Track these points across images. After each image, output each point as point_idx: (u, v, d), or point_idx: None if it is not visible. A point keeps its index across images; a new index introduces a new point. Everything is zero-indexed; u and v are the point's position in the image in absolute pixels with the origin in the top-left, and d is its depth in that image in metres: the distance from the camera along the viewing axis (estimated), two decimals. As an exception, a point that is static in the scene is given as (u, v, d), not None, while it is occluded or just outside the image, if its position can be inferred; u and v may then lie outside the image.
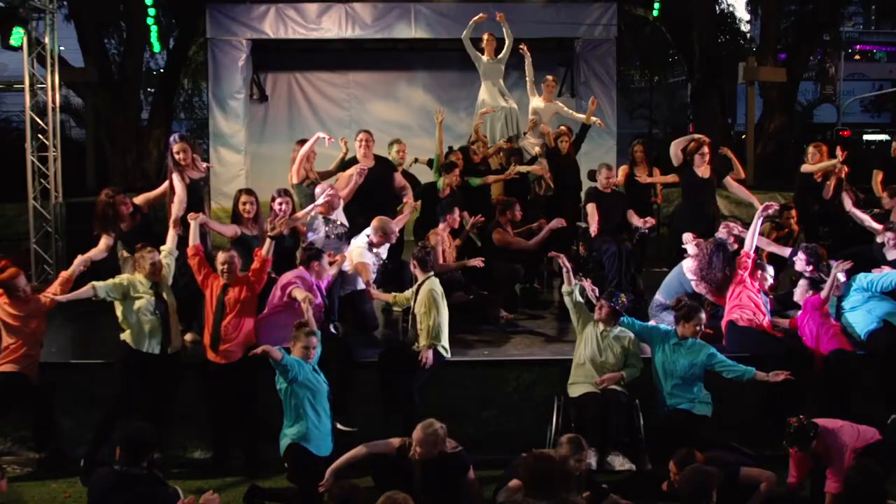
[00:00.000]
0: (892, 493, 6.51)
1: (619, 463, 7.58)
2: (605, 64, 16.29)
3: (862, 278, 8.99)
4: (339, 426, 7.77)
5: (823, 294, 8.68)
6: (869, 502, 5.55)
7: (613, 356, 8.10)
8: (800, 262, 9.29)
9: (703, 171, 10.64)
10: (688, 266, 9.44)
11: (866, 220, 10.18)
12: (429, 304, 8.30)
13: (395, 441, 6.99)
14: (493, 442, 8.35)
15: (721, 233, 9.64)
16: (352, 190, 10.03)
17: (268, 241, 8.49)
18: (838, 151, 11.32)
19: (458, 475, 6.85)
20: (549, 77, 12.92)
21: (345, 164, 10.68)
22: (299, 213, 9.43)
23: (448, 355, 8.49)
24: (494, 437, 8.46)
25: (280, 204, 9.27)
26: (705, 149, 10.61)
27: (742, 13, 31.75)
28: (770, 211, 9.39)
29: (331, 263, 8.91)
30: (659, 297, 9.63)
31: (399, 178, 10.80)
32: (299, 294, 8.00)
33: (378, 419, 8.22)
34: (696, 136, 10.89)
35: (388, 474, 6.74)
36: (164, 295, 8.23)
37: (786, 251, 9.73)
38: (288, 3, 15.48)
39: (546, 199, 11.86)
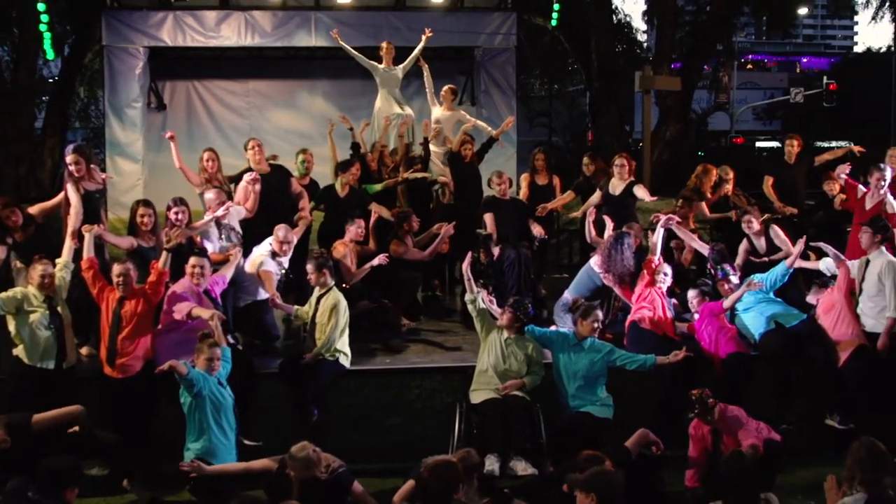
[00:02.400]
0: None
1: (522, 468, 7.63)
2: (505, 72, 16.40)
3: (757, 279, 9.26)
4: (244, 441, 7.70)
5: (726, 304, 8.96)
6: (733, 488, 5.67)
7: (517, 363, 8.16)
8: (709, 261, 9.56)
9: (615, 186, 10.78)
10: (594, 260, 9.63)
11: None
12: (332, 315, 8.32)
13: (272, 462, 6.89)
14: (396, 450, 8.36)
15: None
16: (255, 200, 9.94)
17: (164, 253, 8.35)
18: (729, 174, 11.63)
19: (339, 497, 6.77)
20: (448, 87, 12.99)
21: (243, 172, 10.54)
22: (196, 223, 9.31)
23: (349, 364, 8.47)
24: (398, 445, 8.48)
25: (176, 213, 9.11)
26: (622, 161, 10.76)
27: (638, 23, 32.33)
28: (672, 223, 9.58)
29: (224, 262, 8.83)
30: (567, 295, 9.74)
31: (295, 185, 10.73)
32: (205, 313, 7.89)
33: (281, 431, 8.14)
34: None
35: (275, 489, 6.66)
36: (59, 308, 8.03)
37: (705, 248, 9.93)
38: (186, 11, 15.22)
39: (448, 207, 11.91)
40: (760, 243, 10.17)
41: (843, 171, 10.73)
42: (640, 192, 10.49)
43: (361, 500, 6.87)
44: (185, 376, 7.05)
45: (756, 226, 10.16)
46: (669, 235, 10.03)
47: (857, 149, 12.10)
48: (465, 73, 17.04)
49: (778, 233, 10.15)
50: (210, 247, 9.31)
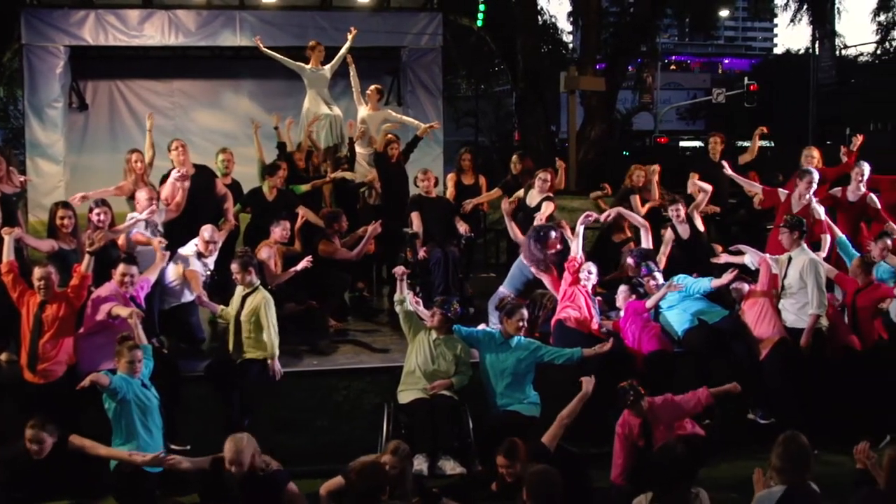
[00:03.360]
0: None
1: (450, 467, 7.64)
2: (431, 73, 16.44)
3: (677, 280, 9.41)
4: (172, 446, 7.61)
5: (649, 304, 9.08)
6: (664, 481, 5.76)
7: (445, 363, 8.17)
8: (630, 264, 9.68)
9: (532, 198, 10.86)
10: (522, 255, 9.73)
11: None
12: (264, 316, 8.29)
13: (206, 460, 6.83)
14: (325, 452, 8.31)
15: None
16: (183, 197, 9.81)
17: (87, 256, 8.21)
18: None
19: (273, 495, 6.74)
20: (373, 86, 12.99)
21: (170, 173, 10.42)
22: (120, 226, 9.18)
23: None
24: (326, 447, 8.42)
25: (98, 215, 8.97)
26: (546, 176, 10.83)
27: (564, 24, 32.65)
28: (591, 219, 9.67)
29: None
30: (503, 289, 9.79)
31: (220, 187, 10.63)
32: (123, 311, 7.77)
33: (209, 434, 8.06)
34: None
35: (209, 489, 6.63)
36: (-23, 314, 7.87)
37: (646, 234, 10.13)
38: (108, 9, 14.97)
39: (375, 207, 11.90)
40: (684, 229, 10.38)
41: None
42: (545, 208, 10.49)
43: (295, 501, 6.84)
44: (107, 387, 6.95)
45: (683, 213, 10.37)
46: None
47: (758, 140, 12.46)
48: (391, 73, 17.05)
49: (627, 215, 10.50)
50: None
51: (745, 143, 13.35)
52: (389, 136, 11.91)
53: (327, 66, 12.81)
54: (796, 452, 5.67)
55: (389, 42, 16.17)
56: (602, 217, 10.84)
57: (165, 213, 9.77)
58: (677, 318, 9.23)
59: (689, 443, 7.22)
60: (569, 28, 34.89)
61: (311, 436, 8.56)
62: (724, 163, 11.21)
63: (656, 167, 11.87)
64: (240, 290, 8.58)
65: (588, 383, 7.35)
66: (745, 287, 9.31)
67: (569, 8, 37.40)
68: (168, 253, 9.05)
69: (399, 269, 8.63)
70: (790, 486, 5.61)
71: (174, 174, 9.93)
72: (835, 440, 8.08)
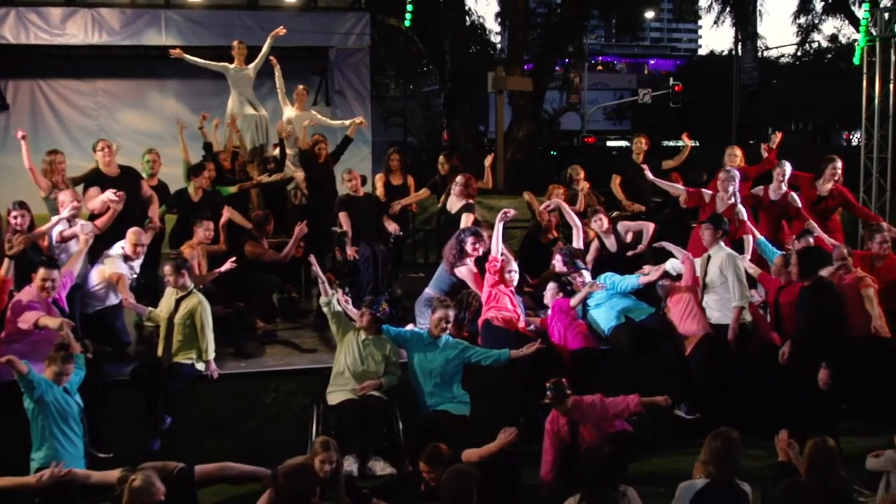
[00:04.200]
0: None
1: (380, 468, 7.63)
2: (359, 73, 16.43)
3: (605, 278, 9.52)
4: (95, 453, 7.48)
5: (573, 302, 9.14)
6: (594, 478, 5.82)
7: (374, 363, 8.15)
8: (559, 263, 9.73)
9: (452, 203, 10.88)
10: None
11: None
12: (200, 319, 8.27)
13: (116, 473, 6.69)
14: (254, 454, 8.17)
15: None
16: (110, 218, 9.55)
17: (6, 260, 8.04)
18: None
19: (186, 496, 6.60)
20: (300, 87, 12.93)
21: (95, 174, 10.22)
22: (39, 228, 8.98)
23: (204, 368, 8.39)
24: (256, 450, 8.31)
25: (16, 217, 8.74)
26: (463, 180, 10.85)
27: (492, 24, 32.82)
28: (509, 215, 9.71)
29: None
30: (429, 290, 9.79)
31: (146, 189, 10.48)
32: (52, 322, 7.60)
33: (134, 440, 7.96)
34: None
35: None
36: None
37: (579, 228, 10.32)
38: (30, 7, 14.69)
39: (303, 207, 11.85)
40: (611, 241, 10.48)
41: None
42: (464, 219, 10.48)
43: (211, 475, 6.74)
44: (24, 375, 6.80)
45: (606, 223, 10.46)
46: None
47: (687, 143, 12.65)
48: (319, 73, 16.99)
49: (628, 226, 10.50)
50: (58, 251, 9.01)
51: (671, 143, 13.55)
52: (317, 135, 11.86)
53: (251, 66, 12.73)
54: (722, 449, 5.78)
55: (317, 42, 16.13)
56: (542, 207, 11.00)
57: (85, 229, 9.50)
58: (604, 316, 9.32)
59: (617, 440, 7.35)
60: (496, 28, 35.10)
61: (239, 438, 8.48)
62: (645, 167, 11.33)
63: (585, 185, 11.94)
64: (171, 293, 8.48)
65: (508, 434, 7.17)
66: (671, 283, 9.45)
67: (496, 9, 37.68)
68: (91, 234, 8.88)
69: (313, 268, 8.61)
70: (713, 481, 5.73)
71: (111, 195, 9.61)
72: (758, 435, 8.28)
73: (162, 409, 8.07)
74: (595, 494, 5.75)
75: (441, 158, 12.12)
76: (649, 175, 11.15)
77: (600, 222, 10.47)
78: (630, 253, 10.46)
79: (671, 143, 37.30)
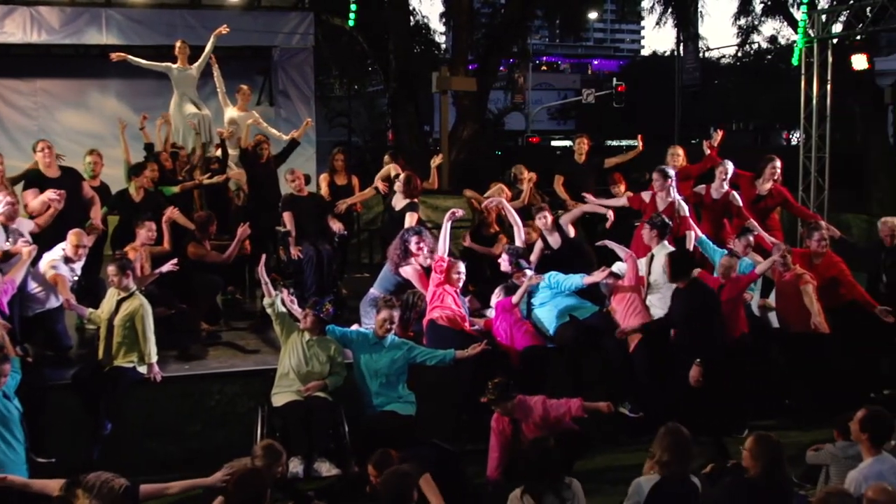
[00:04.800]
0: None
1: (326, 469, 7.60)
2: (303, 73, 16.36)
3: (549, 277, 9.58)
4: (36, 459, 7.36)
5: (515, 299, 9.17)
6: (539, 473, 5.87)
7: (319, 364, 8.12)
8: (504, 263, 9.77)
9: (397, 201, 10.88)
10: None
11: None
12: (140, 322, 8.18)
13: (57, 483, 6.55)
14: (199, 458, 8.14)
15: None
16: (50, 217, 9.42)
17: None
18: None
19: None
20: (244, 86, 12.86)
21: (34, 175, 10.05)
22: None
23: (147, 372, 8.29)
24: (200, 454, 8.27)
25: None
26: (405, 178, 10.84)
27: (436, 25, 32.83)
28: (457, 216, 9.74)
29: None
30: (374, 290, 9.77)
31: (87, 190, 10.33)
32: None
33: (76, 445, 7.85)
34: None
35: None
36: None
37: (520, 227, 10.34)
38: (-35, 5, 14.47)
39: (245, 208, 11.78)
40: (554, 238, 10.54)
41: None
42: (408, 218, 10.47)
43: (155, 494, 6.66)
44: None
45: (550, 220, 10.53)
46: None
47: (640, 144, 12.78)
48: (263, 73, 16.88)
49: (571, 216, 10.64)
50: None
51: (614, 143, 13.65)
52: (259, 136, 11.80)
53: (194, 66, 12.64)
54: (675, 444, 5.88)
55: (260, 41, 16.02)
56: (484, 204, 11.03)
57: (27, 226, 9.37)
58: (548, 316, 9.38)
59: (562, 438, 7.39)
60: (441, 29, 35.08)
61: (183, 442, 8.42)
62: (587, 196, 11.29)
63: (532, 175, 12.01)
64: (113, 294, 8.38)
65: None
66: (614, 282, 9.53)
67: (441, 9, 37.65)
68: (35, 247, 8.75)
69: (259, 268, 8.55)
70: (665, 476, 5.81)
71: (51, 194, 9.47)
72: (702, 431, 8.39)
73: (103, 415, 7.96)
74: (539, 484, 5.79)
75: (386, 158, 12.13)
76: (591, 199, 11.14)
77: (545, 220, 10.53)
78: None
79: (615, 143, 37.75)
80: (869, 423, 6.25)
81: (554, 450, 6.04)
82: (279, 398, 8.02)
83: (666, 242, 9.57)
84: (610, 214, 11.01)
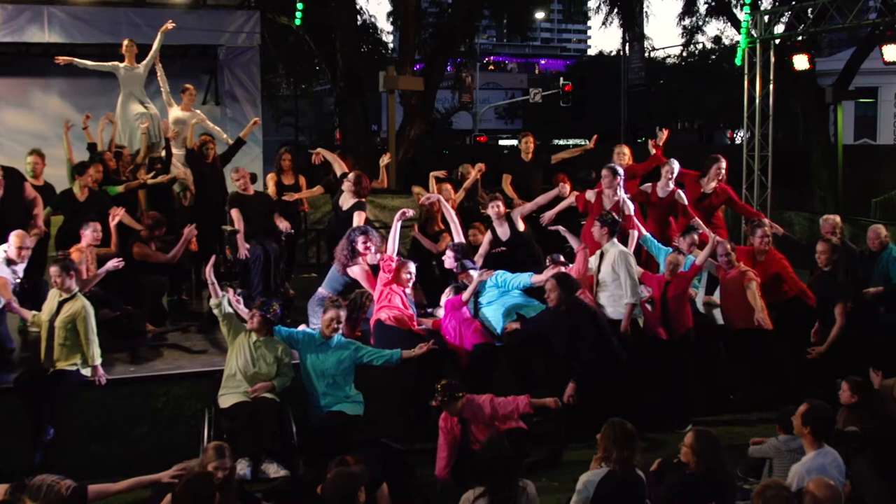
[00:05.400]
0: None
1: (274, 470, 7.57)
2: (249, 72, 16.26)
3: (497, 276, 9.62)
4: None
5: (464, 297, 9.20)
6: (495, 474, 5.89)
7: (266, 365, 8.08)
8: (448, 259, 9.79)
9: (344, 200, 10.86)
10: None
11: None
12: (82, 324, 8.08)
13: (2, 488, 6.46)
14: (146, 461, 8.04)
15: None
16: None
17: None
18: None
19: None
20: (189, 86, 12.75)
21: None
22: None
23: (89, 374, 8.21)
24: (147, 456, 8.18)
25: None
26: (354, 177, 10.82)
27: (384, 24, 32.79)
28: (407, 215, 9.75)
29: None
30: (322, 290, 9.73)
31: (29, 190, 10.18)
32: None
33: (18, 451, 7.74)
34: None
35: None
36: None
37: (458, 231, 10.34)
38: None
39: (191, 208, 11.69)
40: (503, 229, 10.59)
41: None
42: (356, 218, 10.46)
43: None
44: None
45: (502, 209, 10.58)
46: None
47: (591, 144, 12.86)
48: (209, 72, 16.76)
49: (523, 210, 10.71)
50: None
51: (562, 142, 13.71)
52: (205, 135, 11.72)
53: (142, 64, 12.50)
54: (619, 438, 5.96)
55: (206, 40, 15.90)
56: (421, 200, 11.09)
57: None
58: (495, 314, 9.41)
59: (511, 436, 7.43)
60: (388, 28, 34.98)
61: (129, 445, 8.33)
62: (545, 216, 11.32)
63: (480, 165, 12.05)
64: (55, 295, 8.27)
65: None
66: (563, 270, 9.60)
67: (388, 8, 37.61)
68: None
69: (208, 269, 8.49)
70: (612, 470, 5.87)
71: None
72: (647, 427, 8.47)
73: (45, 419, 7.85)
74: (498, 489, 5.81)
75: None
76: (547, 216, 11.17)
77: (497, 208, 10.59)
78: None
79: (562, 142, 37.94)
80: (811, 417, 6.35)
81: (509, 452, 6.07)
82: (226, 399, 7.97)
83: (615, 240, 9.66)
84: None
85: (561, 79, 45.89)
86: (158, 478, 6.09)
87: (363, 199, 10.71)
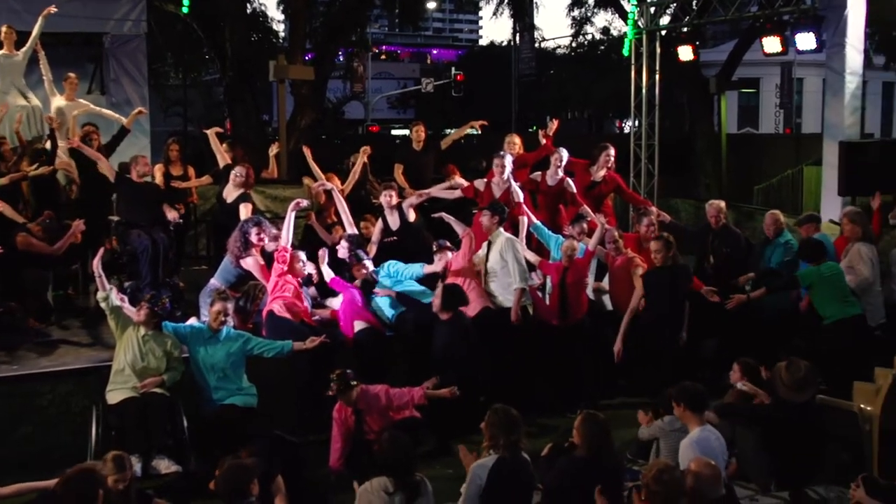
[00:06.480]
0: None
1: (165, 466, 7.48)
2: (136, 60, 15.85)
3: (389, 266, 9.65)
4: None
5: (357, 283, 9.21)
6: (399, 468, 5.91)
7: (155, 359, 7.96)
8: (342, 250, 9.77)
9: (228, 192, 10.73)
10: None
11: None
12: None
13: None
14: (31, 461, 7.85)
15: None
16: None
17: None
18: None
19: None
20: (71, 74, 12.40)
21: None
22: None
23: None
24: (32, 456, 7.97)
25: None
26: (240, 170, 10.71)
27: (274, 13, 32.46)
28: (301, 205, 9.69)
29: None
30: (214, 281, 9.61)
31: None
32: None
33: None
34: None
35: None
36: None
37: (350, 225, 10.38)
38: None
39: (77, 201, 11.41)
40: (394, 218, 10.60)
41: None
42: (243, 210, 10.42)
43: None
44: None
45: (395, 199, 10.60)
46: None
47: (477, 124, 12.91)
48: (94, 60, 16.32)
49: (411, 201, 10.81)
50: None
51: (453, 131, 13.76)
52: (88, 126, 11.43)
53: (21, 51, 12.09)
54: (507, 423, 6.02)
55: (90, 28, 15.43)
56: (317, 186, 11.06)
57: None
58: (387, 303, 9.45)
59: (405, 425, 7.49)
60: (279, 17, 34.64)
61: (13, 445, 8.11)
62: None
63: (366, 148, 12.00)
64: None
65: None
66: (449, 255, 9.66)
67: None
68: None
69: (95, 262, 8.30)
70: (502, 456, 5.95)
71: None
72: (538, 412, 8.62)
73: None
74: (404, 482, 5.83)
75: (224, 146, 11.92)
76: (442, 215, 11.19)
77: (389, 197, 10.61)
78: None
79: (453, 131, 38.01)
80: (681, 395, 6.61)
81: (408, 444, 6.10)
82: (114, 395, 7.83)
83: (502, 229, 9.75)
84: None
85: (453, 69, 46.10)
86: (47, 485, 5.92)
87: (248, 192, 10.63)
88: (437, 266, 9.51)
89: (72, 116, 11.77)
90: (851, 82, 13.45)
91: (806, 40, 13.80)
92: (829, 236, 10.48)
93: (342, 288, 9.38)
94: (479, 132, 13.06)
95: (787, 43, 14.59)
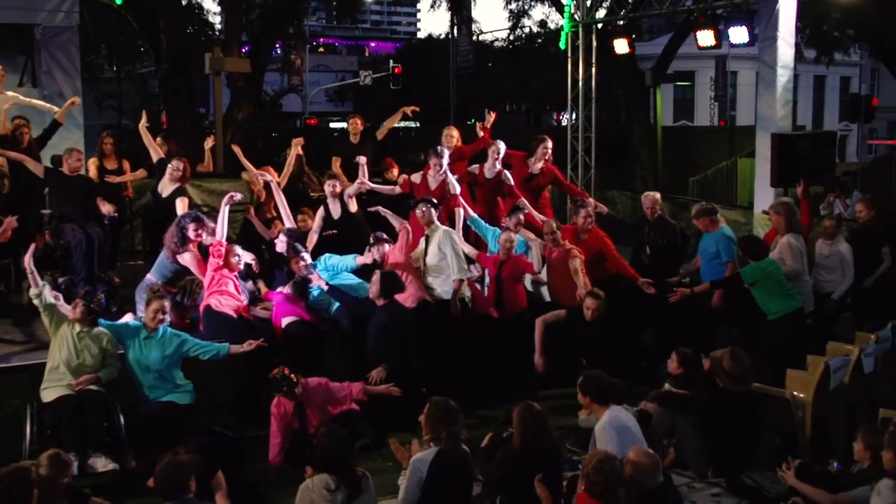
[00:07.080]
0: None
1: (102, 464, 7.42)
2: (69, 52, 15.57)
3: (324, 260, 9.65)
4: None
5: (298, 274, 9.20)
6: (338, 463, 5.92)
7: (91, 357, 7.87)
8: (280, 244, 9.73)
9: (163, 186, 10.63)
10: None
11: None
12: None
13: None
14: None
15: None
16: None
17: None
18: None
19: None
20: (-1, 67, 12.19)
21: None
22: None
23: None
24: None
25: None
26: (176, 164, 10.60)
27: (210, 5, 32.17)
28: (235, 199, 9.61)
29: None
30: (150, 277, 9.50)
31: None
32: None
33: None
34: None
35: None
36: None
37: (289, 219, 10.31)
38: None
39: (8, 196, 11.20)
40: (335, 207, 10.58)
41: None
42: (179, 204, 10.34)
43: None
44: None
45: (338, 188, 10.58)
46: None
47: (409, 110, 12.89)
48: (25, 52, 16.03)
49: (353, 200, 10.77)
50: None
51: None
52: (18, 119, 11.23)
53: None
54: (444, 415, 6.07)
55: (20, 19, 15.13)
56: (255, 175, 11.05)
57: None
58: (326, 297, 9.41)
59: (343, 419, 7.50)
60: (215, 9, 34.31)
61: (-56, 445, 7.95)
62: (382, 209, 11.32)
63: (299, 139, 11.93)
64: None
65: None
66: (386, 247, 9.66)
67: (215, -13, 36.91)
68: None
69: (27, 258, 8.17)
70: (443, 448, 5.99)
71: None
72: (478, 403, 8.67)
73: None
74: (346, 478, 5.83)
75: (159, 140, 11.81)
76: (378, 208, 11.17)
77: (332, 187, 10.59)
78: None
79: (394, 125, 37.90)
80: (586, 387, 6.83)
81: (347, 439, 6.10)
82: (49, 393, 7.72)
83: (439, 223, 9.79)
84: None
85: (391, 61, 46.00)
86: None
87: (184, 186, 10.54)
88: (368, 258, 9.53)
89: (2, 110, 11.55)
90: (783, 75, 13.64)
91: (739, 34, 14.04)
92: (729, 230, 10.59)
93: (275, 296, 9.37)
94: (417, 124, 13.03)
95: (721, 37, 14.81)
